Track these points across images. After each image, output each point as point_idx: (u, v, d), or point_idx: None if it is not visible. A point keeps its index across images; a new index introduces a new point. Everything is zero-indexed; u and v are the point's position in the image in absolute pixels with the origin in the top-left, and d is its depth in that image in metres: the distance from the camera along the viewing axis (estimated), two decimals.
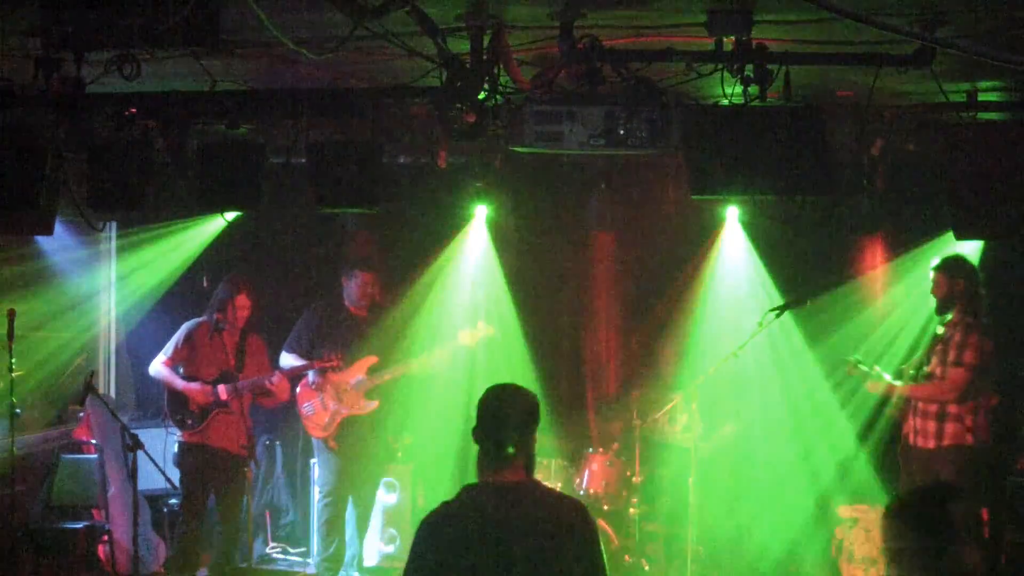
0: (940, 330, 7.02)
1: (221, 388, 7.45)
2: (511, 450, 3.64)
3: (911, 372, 7.12)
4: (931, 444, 6.88)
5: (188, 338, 7.58)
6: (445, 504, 3.68)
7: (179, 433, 7.53)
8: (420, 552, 3.59)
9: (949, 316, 6.96)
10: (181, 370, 7.60)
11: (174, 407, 7.52)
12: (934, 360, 6.96)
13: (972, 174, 5.62)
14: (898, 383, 7.11)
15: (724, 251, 8.67)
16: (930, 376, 6.97)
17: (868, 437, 8.04)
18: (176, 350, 7.57)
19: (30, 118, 5.93)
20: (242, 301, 7.56)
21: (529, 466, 3.68)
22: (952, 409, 6.84)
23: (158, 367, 7.58)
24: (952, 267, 6.98)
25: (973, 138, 5.73)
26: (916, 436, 6.97)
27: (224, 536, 7.66)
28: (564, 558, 3.55)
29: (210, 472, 7.49)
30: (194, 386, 7.47)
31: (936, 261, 7.07)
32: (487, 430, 3.67)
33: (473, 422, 3.70)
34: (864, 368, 7.23)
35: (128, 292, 9.24)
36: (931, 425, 6.89)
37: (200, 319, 7.69)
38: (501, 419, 3.67)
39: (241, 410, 7.42)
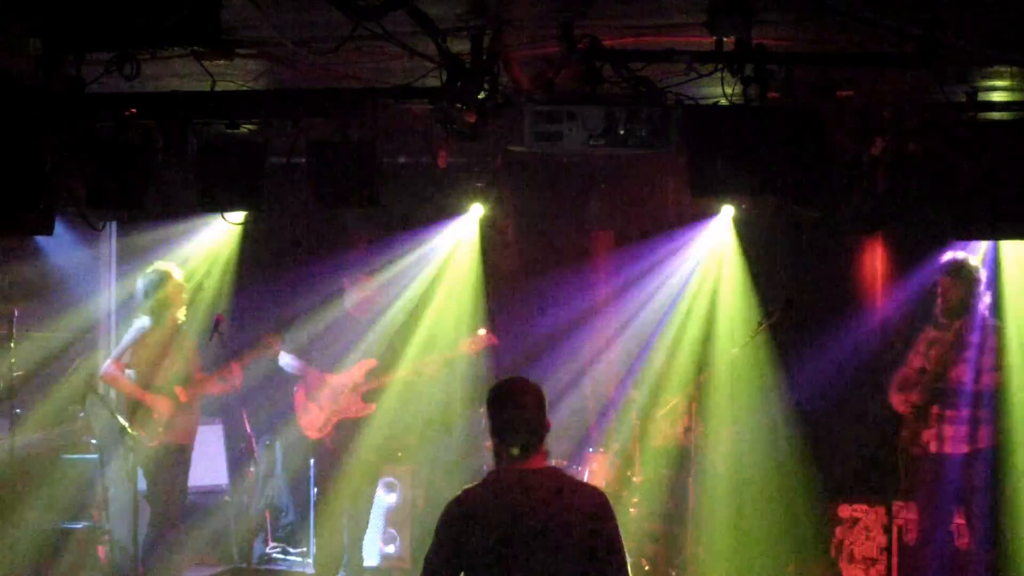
0: (949, 335, 6.87)
1: (179, 391, 7.35)
2: (532, 439, 3.75)
3: (927, 382, 6.90)
4: (964, 449, 6.78)
5: (139, 340, 7.43)
6: (470, 488, 3.77)
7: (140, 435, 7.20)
8: (443, 534, 3.72)
9: (958, 320, 6.86)
10: (132, 374, 7.40)
11: (135, 415, 7.25)
12: (963, 366, 6.81)
13: (973, 174, 5.62)
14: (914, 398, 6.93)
15: (724, 251, 8.67)
16: (957, 383, 6.80)
17: (868, 436, 8.04)
18: (129, 353, 7.42)
19: (30, 118, 5.92)
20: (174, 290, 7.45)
21: (548, 451, 3.79)
22: (983, 413, 6.76)
23: (112, 372, 7.40)
24: (964, 270, 6.91)
25: (974, 138, 5.74)
26: (942, 444, 6.82)
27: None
28: (583, 541, 3.65)
29: (174, 469, 7.44)
30: (157, 398, 7.30)
31: (946, 266, 6.98)
32: (505, 423, 3.76)
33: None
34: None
35: (128, 292, 9.21)
36: (963, 430, 6.76)
37: (146, 320, 7.49)
38: (518, 411, 3.76)
39: (195, 403, 7.47)
